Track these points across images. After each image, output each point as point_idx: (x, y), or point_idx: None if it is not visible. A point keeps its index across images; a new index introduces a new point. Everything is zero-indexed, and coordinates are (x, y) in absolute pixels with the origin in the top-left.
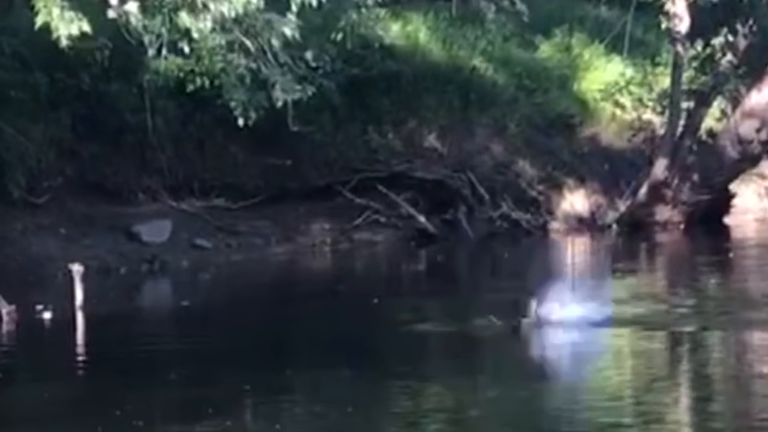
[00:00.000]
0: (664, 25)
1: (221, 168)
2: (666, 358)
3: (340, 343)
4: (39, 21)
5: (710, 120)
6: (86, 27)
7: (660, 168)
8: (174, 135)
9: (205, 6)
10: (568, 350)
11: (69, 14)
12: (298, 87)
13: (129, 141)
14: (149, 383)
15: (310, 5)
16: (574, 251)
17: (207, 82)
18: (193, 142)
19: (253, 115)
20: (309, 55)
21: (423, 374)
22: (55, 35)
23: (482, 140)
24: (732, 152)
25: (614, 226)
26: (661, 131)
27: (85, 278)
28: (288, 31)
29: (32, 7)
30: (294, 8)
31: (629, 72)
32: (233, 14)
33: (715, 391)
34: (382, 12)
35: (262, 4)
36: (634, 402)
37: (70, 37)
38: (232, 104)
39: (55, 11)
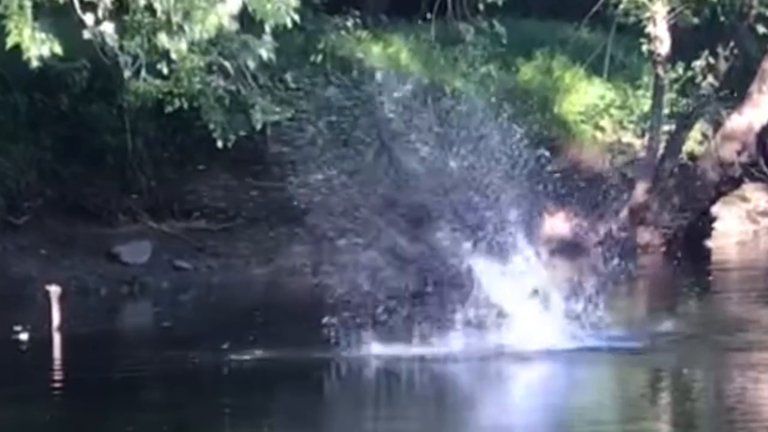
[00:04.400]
0: (645, 48)
1: (202, 189)
2: (640, 385)
3: (321, 366)
4: (10, 42)
5: (691, 143)
6: (57, 48)
7: (640, 191)
8: (154, 156)
9: (181, 27)
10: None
11: (40, 35)
12: (278, 109)
13: (109, 162)
14: (127, 406)
15: (285, 27)
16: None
17: (186, 104)
18: (173, 163)
19: (232, 137)
20: (289, 76)
21: (414, 397)
22: (25, 56)
23: (463, 162)
24: (713, 175)
25: (595, 249)
26: (641, 154)
27: (63, 299)
28: (264, 53)
29: (3, 27)
30: (268, 29)
31: (610, 95)
32: (206, 36)
33: (693, 420)
34: (363, 34)
35: (234, 27)
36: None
37: (41, 59)
38: (211, 126)
39: (26, 32)
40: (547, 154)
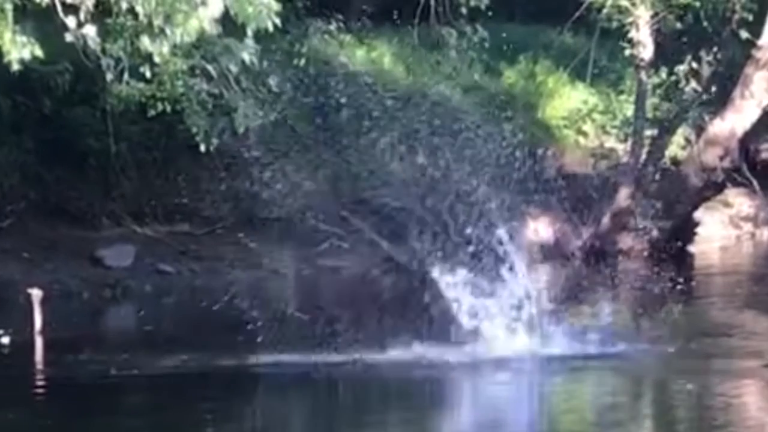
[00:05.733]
0: (628, 53)
1: (185, 193)
2: (622, 391)
3: (304, 370)
4: None
5: (674, 148)
6: (38, 51)
7: (623, 196)
8: (137, 160)
9: (162, 31)
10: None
11: (21, 39)
12: (260, 113)
13: (92, 165)
14: (110, 409)
15: (267, 30)
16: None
17: (169, 107)
18: (156, 166)
19: (215, 140)
20: (272, 80)
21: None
22: (6, 59)
23: (446, 167)
24: (695, 180)
25: (577, 254)
26: (624, 159)
27: (45, 303)
28: (246, 57)
29: None
30: (249, 33)
31: (593, 99)
32: (187, 40)
33: (674, 427)
34: (347, 38)
35: (215, 30)
36: None
37: (21, 62)
38: (194, 130)
39: (7, 35)
40: (549, 153)
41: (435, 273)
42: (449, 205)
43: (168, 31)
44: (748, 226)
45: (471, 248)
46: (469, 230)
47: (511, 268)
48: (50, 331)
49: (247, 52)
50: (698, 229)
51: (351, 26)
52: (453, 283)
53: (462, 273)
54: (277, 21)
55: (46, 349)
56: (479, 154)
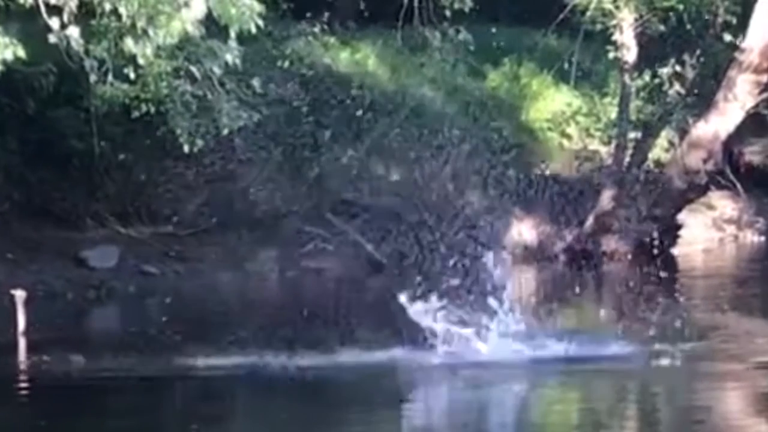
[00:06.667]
0: (612, 55)
1: (169, 194)
2: (605, 394)
3: (286, 374)
4: None
5: (658, 150)
6: (21, 52)
7: (606, 198)
8: (122, 161)
9: (145, 32)
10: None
11: (4, 40)
12: (244, 114)
13: (76, 166)
14: (94, 411)
15: (250, 32)
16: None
17: (153, 108)
18: (141, 168)
19: (199, 142)
20: (256, 82)
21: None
22: None
23: (430, 169)
24: (679, 183)
25: (561, 256)
26: (608, 161)
27: (28, 304)
28: (230, 58)
29: None
30: (233, 34)
31: (577, 102)
32: (170, 41)
33: (658, 426)
34: (331, 40)
35: (198, 32)
36: None
37: (4, 62)
38: (178, 131)
39: None
40: (533, 155)
41: (403, 298)
42: (431, 207)
43: (151, 32)
44: (731, 229)
45: (456, 280)
46: (450, 231)
47: (498, 299)
48: (34, 332)
49: (231, 53)
50: (681, 232)
51: (335, 28)
52: (424, 310)
53: (443, 301)
54: (261, 23)
55: (30, 350)
56: (463, 160)
